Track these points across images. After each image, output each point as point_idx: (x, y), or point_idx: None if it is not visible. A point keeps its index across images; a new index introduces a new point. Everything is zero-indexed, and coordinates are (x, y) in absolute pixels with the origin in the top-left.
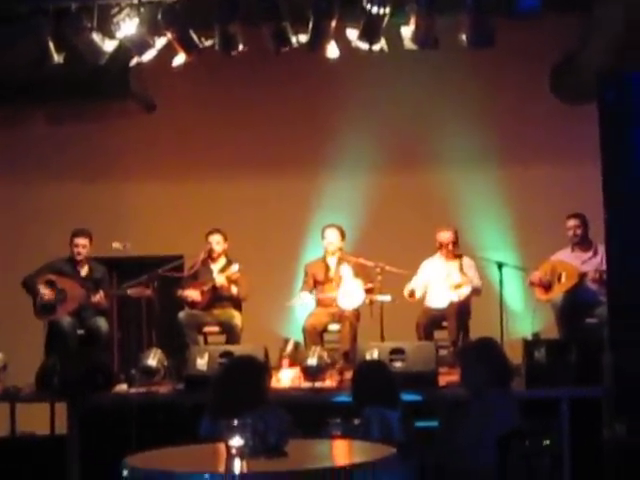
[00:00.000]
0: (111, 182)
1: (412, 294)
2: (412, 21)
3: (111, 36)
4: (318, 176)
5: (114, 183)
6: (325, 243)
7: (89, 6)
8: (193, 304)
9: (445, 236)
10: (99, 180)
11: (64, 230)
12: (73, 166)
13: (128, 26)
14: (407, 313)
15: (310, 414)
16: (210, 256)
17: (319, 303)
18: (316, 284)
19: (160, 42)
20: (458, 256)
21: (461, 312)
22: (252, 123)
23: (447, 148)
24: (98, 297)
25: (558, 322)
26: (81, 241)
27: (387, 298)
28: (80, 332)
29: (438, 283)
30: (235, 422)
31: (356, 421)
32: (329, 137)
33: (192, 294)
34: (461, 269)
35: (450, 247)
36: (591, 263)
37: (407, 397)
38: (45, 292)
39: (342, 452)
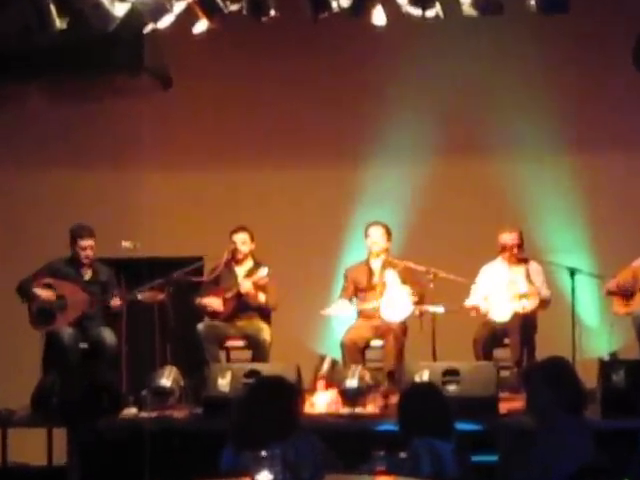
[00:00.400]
0: (119, 170)
1: (476, 308)
2: None
3: None
4: (360, 165)
5: (123, 171)
6: (368, 243)
7: None
8: (214, 314)
9: (508, 238)
10: (105, 167)
11: (64, 225)
12: (75, 150)
13: None
14: (463, 327)
15: (349, 445)
16: (234, 258)
17: (360, 314)
18: (357, 292)
19: (179, 6)
20: (523, 260)
21: (526, 326)
22: (283, 103)
23: (511, 132)
24: (118, 301)
25: None
26: (88, 243)
27: (440, 309)
28: (83, 345)
29: (500, 292)
30: (262, 453)
31: (403, 454)
32: (372, 119)
33: (213, 302)
34: (527, 276)
35: (514, 250)
36: None
37: (462, 426)
38: (43, 293)
39: None
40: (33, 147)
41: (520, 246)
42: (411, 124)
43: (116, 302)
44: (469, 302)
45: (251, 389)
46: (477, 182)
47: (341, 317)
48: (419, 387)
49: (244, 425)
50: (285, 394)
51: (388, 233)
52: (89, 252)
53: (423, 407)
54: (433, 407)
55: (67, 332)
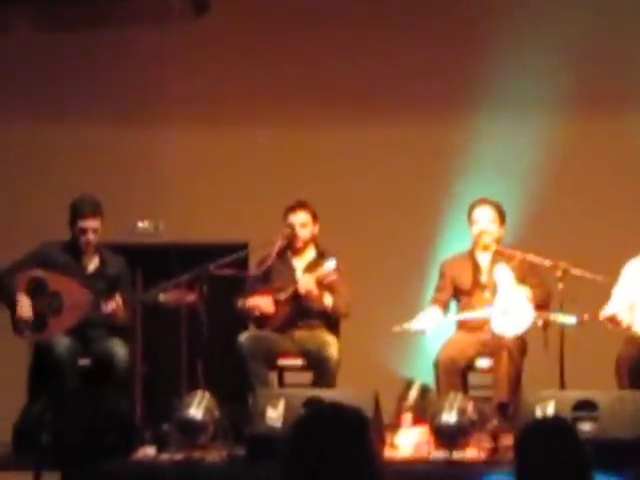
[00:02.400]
0: (136, 125)
1: (614, 320)
2: None
3: None
4: (462, 121)
5: (140, 126)
6: (474, 230)
7: None
8: (263, 320)
9: None
10: (115, 120)
11: (65, 197)
12: (78, 98)
13: None
14: (603, 344)
15: None
16: (291, 246)
17: (462, 325)
18: (458, 294)
19: None
20: None
21: None
22: (361, 37)
23: None
24: (114, 305)
25: None
26: (91, 224)
27: (571, 319)
28: (84, 362)
29: None
30: None
31: None
32: (482, 64)
33: (262, 304)
34: None
35: None
36: None
37: None
38: (23, 305)
39: None
40: (19, 92)
41: None
42: (533, 69)
43: (111, 307)
44: (606, 312)
45: (310, 424)
46: (625, 145)
47: (431, 330)
48: (542, 425)
49: (299, 473)
50: (357, 432)
51: (501, 216)
52: (91, 236)
53: (547, 453)
54: (561, 453)
55: (62, 343)
